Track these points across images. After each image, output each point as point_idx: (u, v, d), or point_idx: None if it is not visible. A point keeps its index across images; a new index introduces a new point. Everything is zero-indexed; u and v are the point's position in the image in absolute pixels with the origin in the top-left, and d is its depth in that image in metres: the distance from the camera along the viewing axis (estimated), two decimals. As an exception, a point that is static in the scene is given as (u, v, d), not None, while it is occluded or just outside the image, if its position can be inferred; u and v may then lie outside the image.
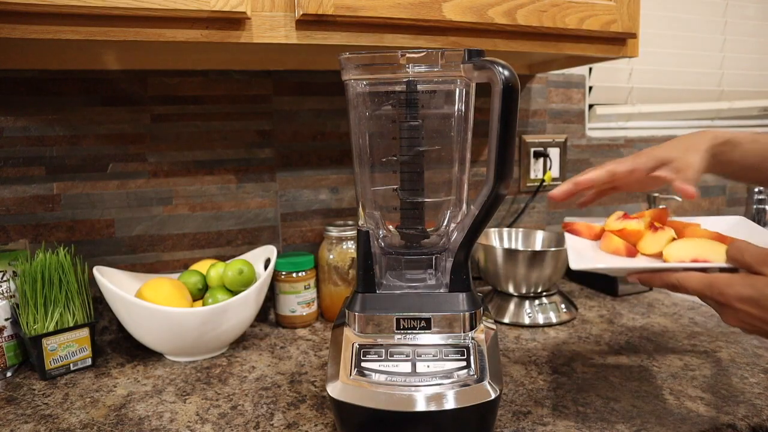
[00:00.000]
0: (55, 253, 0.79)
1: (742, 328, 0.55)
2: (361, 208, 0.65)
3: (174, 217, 0.98)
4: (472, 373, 0.55)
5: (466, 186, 0.64)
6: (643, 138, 1.36)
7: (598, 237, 0.68)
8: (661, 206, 0.58)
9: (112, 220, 0.94)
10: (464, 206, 0.65)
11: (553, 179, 1.25)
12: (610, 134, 1.33)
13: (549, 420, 0.63)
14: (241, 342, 0.89)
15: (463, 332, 0.58)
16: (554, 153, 1.25)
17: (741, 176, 0.74)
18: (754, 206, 1.25)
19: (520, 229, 1.11)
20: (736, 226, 0.65)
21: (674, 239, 0.62)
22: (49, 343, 0.76)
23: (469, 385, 0.54)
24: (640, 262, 0.61)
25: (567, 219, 0.72)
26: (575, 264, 0.59)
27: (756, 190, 1.25)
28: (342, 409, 0.55)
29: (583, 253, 0.64)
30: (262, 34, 0.71)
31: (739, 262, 0.54)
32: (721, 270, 0.55)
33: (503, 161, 0.54)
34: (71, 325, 0.78)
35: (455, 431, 0.54)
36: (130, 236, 0.95)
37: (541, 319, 0.94)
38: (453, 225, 0.64)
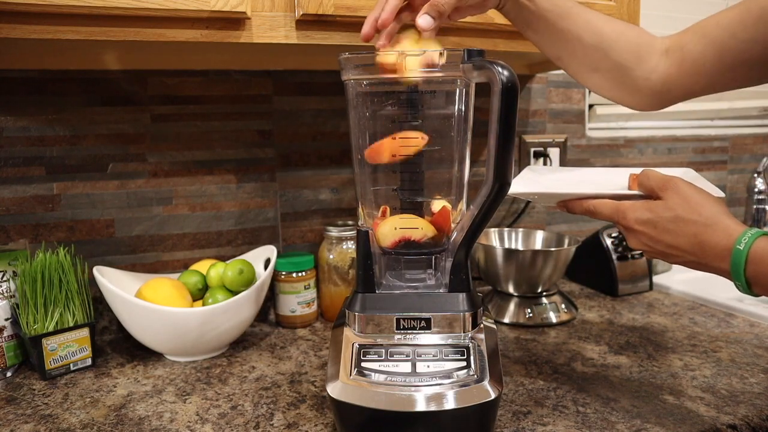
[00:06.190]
0: (55, 253, 0.79)
1: (645, 251, 0.58)
2: (361, 208, 0.65)
3: (174, 217, 0.98)
4: (472, 373, 0.55)
5: (466, 186, 0.64)
6: (643, 138, 1.36)
7: None
8: None
9: (112, 220, 0.94)
10: (464, 206, 0.65)
11: (553, 179, 1.25)
12: (610, 134, 1.33)
13: (549, 420, 0.63)
14: (241, 342, 0.89)
15: (463, 332, 0.58)
16: (554, 153, 1.24)
17: (531, 29, 0.69)
18: (754, 206, 1.25)
19: (520, 229, 1.11)
20: (683, 176, 0.66)
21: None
22: (49, 343, 0.76)
23: (469, 385, 0.54)
24: (561, 188, 0.64)
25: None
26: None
27: (756, 190, 1.25)
28: (342, 409, 0.55)
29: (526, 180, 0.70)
30: (262, 34, 0.71)
31: (646, 187, 0.57)
32: (638, 197, 0.58)
33: (503, 161, 0.54)
34: (71, 325, 0.78)
35: (455, 431, 0.54)
36: (130, 236, 0.95)
37: (541, 319, 0.94)
38: (453, 225, 0.64)
